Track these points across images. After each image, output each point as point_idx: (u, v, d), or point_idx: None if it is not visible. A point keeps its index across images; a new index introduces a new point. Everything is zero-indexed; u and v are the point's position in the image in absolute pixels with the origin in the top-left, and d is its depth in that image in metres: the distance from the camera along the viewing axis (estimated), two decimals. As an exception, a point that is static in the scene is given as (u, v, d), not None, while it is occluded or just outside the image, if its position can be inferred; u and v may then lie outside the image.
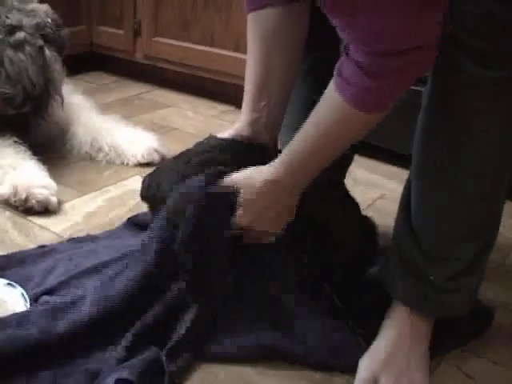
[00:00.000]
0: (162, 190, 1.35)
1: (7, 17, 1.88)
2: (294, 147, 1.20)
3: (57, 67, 1.99)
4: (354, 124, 1.13)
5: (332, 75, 1.13)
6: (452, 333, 1.31)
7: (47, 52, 1.95)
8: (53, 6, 2.03)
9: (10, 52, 1.86)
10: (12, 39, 1.87)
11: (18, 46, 1.88)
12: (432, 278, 1.20)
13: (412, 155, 1.23)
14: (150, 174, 1.43)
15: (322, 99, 1.15)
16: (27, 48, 1.88)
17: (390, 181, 2.06)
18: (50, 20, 1.96)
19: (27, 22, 1.90)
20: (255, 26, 1.35)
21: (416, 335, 1.23)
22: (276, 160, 1.23)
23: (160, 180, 1.38)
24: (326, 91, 1.14)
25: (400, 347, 1.22)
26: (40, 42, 1.93)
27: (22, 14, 1.91)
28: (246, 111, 1.39)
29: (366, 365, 1.21)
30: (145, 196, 1.44)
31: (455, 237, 1.19)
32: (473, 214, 1.18)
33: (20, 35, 1.88)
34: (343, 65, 1.09)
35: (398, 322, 1.24)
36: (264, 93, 1.35)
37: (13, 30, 1.88)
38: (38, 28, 1.93)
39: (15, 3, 1.92)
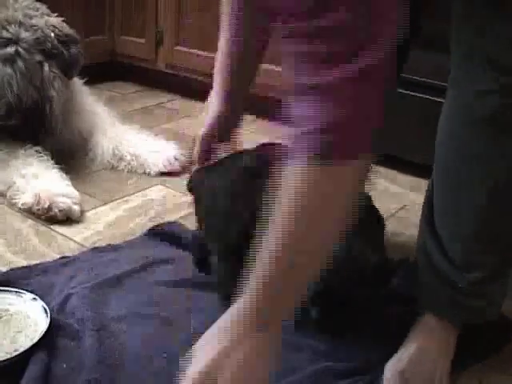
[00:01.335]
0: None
1: (6, 29, 1.90)
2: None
3: (56, 84, 1.98)
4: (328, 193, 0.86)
5: None
6: (473, 347, 1.30)
7: (46, 68, 1.95)
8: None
9: None
10: (2, 52, 1.89)
11: (8, 59, 1.89)
12: (459, 284, 1.19)
13: (434, 162, 1.23)
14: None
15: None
16: (19, 63, 1.89)
17: (411, 192, 2.05)
18: (53, 35, 1.96)
19: (26, 36, 1.91)
20: None
21: (441, 348, 1.23)
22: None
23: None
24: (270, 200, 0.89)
25: (425, 360, 1.21)
26: (38, 58, 1.93)
27: (21, 28, 1.91)
28: (220, 89, 1.42)
29: (387, 377, 1.21)
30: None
31: (481, 242, 1.18)
32: (497, 219, 1.17)
33: (11, 49, 1.89)
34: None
35: (423, 335, 1.24)
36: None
37: (6, 43, 1.90)
38: (38, 43, 1.93)
39: (21, 17, 1.93)
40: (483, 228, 1.17)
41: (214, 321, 1.31)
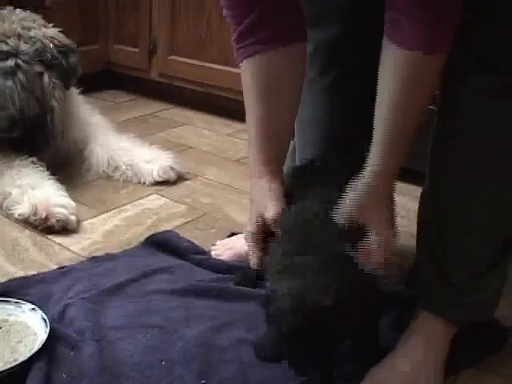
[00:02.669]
0: None
1: (6, 42, 1.91)
2: (384, 135, 1.10)
3: (56, 94, 1.99)
4: (427, 71, 1.08)
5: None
6: (468, 349, 1.31)
7: (46, 79, 1.96)
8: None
9: None
10: (2, 65, 1.90)
11: (8, 72, 1.90)
12: (454, 279, 1.20)
13: (429, 156, 1.24)
14: None
15: (382, 72, 1.11)
16: (19, 75, 1.90)
17: (411, 201, 2.05)
18: (52, 46, 1.97)
19: (26, 48, 1.92)
20: (255, 76, 1.26)
21: (432, 348, 1.23)
22: (368, 168, 1.12)
23: None
24: (382, 66, 1.11)
25: (412, 359, 1.22)
26: (38, 69, 1.95)
27: (20, 40, 1.93)
28: (265, 168, 1.30)
29: (371, 374, 1.22)
30: None
31: (478, 236, 1.20)
32: (495, 212, 1.18)
33: (11, 62, 1.90)
34: (397, 25, 1.06)
35: (416, 334, 1.24)
36: (274, 144, 1.29)
37: (6, 56, 1.91)
38: (37, 54, 1.94)
39: (19, 29, 1.95)
40: (482, 220, 1.18)
41: (212, 328, 1.34)
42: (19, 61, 1.91)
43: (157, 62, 2.91)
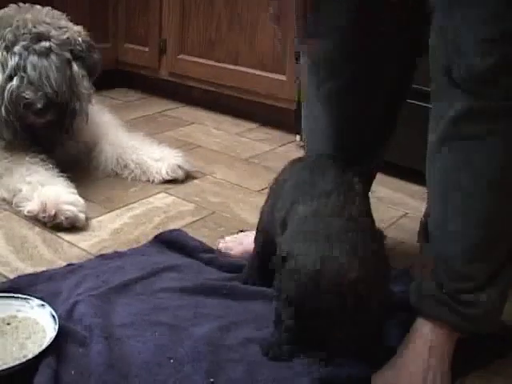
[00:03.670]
0: None
1: (35, 27, 1.91)
2: None
3: (84, 84, 2.02)
4: None
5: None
6: (476, 353, 1.31)
7: (75, 67, 1.98)
8: (80, 24, 2.06)
9: (33, 58, 1.89)
10: (37, 46, 1.90)
11: (43, 53, 1.90)
12: (445, 291, 1.20)
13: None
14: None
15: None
16: (52, 57, 1.91)
17: (413, 199, 2.06)
18: (80, 39, 1.99)
19: (56, 34, 1.94)
20: None
21: (436, 352, 1.22)
22: None
23: None
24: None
25: (416, 363, 1.21)
26: (68, 56, 1.96)
27: (51, 27, 1.94)
28: None
29: (375, 378, 1.22)
30: None
31: (466, 257, 1.19)
32: (483, 234, 1.18)
33: (46, 44, 1.91)
34: None
35: (417, 339, 1.24)
36: None
37: (39, 38, 1.91)
38: (68, 43, 1.96)
39: (47, 19, 1.96)
40: (470, 242, 1.18)
41: (220, 327, 1.34)
42: (52, 44, 1.92)
43: (166, 61, 2.91)
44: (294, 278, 1.13)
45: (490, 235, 1.18)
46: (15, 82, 1.88)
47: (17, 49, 1.89)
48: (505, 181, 1.14)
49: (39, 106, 1.88)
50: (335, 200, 1.25)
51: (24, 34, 1.89)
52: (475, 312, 1.21)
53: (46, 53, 1.91)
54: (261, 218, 1.48)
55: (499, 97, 1.08)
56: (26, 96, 1.88)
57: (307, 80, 1.49)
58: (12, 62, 1.89)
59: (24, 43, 1.89)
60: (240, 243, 1.67)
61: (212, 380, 1.20)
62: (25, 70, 1.88)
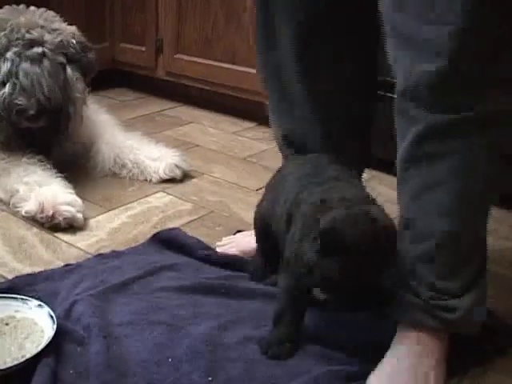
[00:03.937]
0: None
1: (29, 32, 1.91)
2: None
3: (78, 87, 2.01)
4: None
5: None
6: (473, 350, 1.31)
7: (69, 70, 1.98)
8: (76, 24, 2.06)
9: (25, 65, 1.89)
10: (29, 52, 1.90)
11: (35, 59, 1.90)
12: (421, 297, 1.20)
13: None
14: None
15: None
16: (45, 62, 1.91)
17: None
18: (74, 41, 1.99)
19: (49, 38, 1.93)
20: None
21: (423, 350, 1.22)
22: None
23: None
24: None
25: (406, 362, 1.21)
26: (61, 60, 1.96)
27: (44, 31, 1.94)
28: None
29: (371, 380, 1.22)
30: None
31: (440, 275, 1.19)
32: (455, 249, 1.19)
33: (38, 50, 1.91)
34: None
35: (405, 341, 1.23)
36: None
37: (32, 44, 1.91)
38: (61, 46, 1.96)
39: (41, 22, 1.96)
40: (456, 248, 1.18)
41: (218, 326, 1.34)
42: (45, 49, 1.92)
43: (163, 61, 2.91)
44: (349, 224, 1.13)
45: (462, 250, 1.19)
46: (7, 88, 1.89)
47: (9, 55, 1.89)
48: (470, 193, 1.16)
49: (32, 112, 1.89)
50: (345, 183, 1.28)
51: (17, 39, 1.90)
52: (453, 317, 1.21)
53: (38, 59, 1.91)
54: (257, 215, 1.48)
55: (452, 109, 1.10)
56: (19, 102, 1.88)
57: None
58: (4, 68, 1.89)
59: (16, 49, 1.89)
60: (236, 244, 1.67)
61: (210, 378, 1.20)
62: (17, 77, 1.89)
